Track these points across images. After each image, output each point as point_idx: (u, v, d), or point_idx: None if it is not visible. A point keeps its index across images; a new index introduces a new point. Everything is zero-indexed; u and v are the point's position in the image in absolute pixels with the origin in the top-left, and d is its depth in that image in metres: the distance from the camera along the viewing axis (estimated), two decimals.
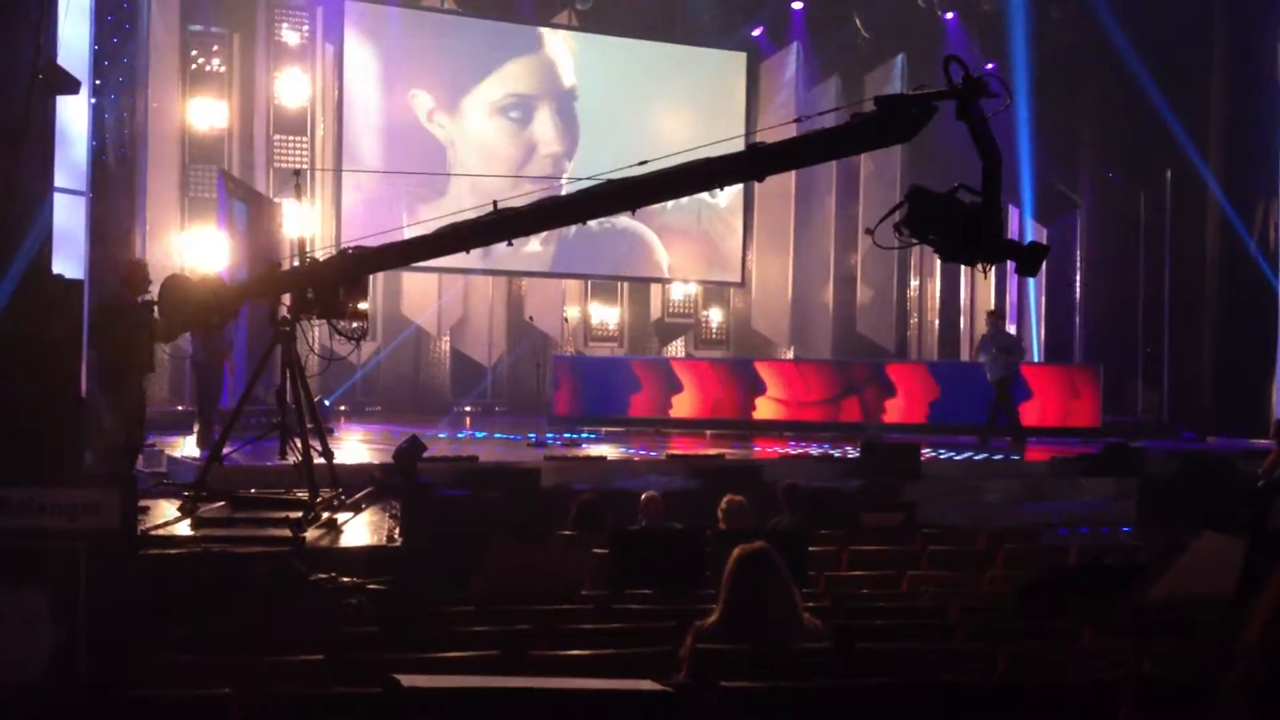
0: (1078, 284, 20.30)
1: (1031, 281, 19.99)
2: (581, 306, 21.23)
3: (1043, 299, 20.36)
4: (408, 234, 8.67)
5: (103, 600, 4.49)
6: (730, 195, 20.63)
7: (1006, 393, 15.43)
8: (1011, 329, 19.23)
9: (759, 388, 17.20)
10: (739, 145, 7.52)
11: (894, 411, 16.92)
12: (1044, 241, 19.08)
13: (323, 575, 6.62)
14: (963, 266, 20.80)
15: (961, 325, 21.34)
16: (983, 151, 6.36)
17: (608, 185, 7.62)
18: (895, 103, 6.62)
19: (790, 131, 7.41)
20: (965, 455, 14.63)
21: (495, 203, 8.02)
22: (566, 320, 20.08)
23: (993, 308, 19.14)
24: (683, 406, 17.26)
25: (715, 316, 22.10)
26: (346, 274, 8.78)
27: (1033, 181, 19.47)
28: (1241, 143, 17.75)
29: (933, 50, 21.03)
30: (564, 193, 8.07)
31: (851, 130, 6.92)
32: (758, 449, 15.11)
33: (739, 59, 21.17)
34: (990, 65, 20.45)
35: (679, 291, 21.84)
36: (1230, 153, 17.89)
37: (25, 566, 4.43)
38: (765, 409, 17.15)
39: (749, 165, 7.45)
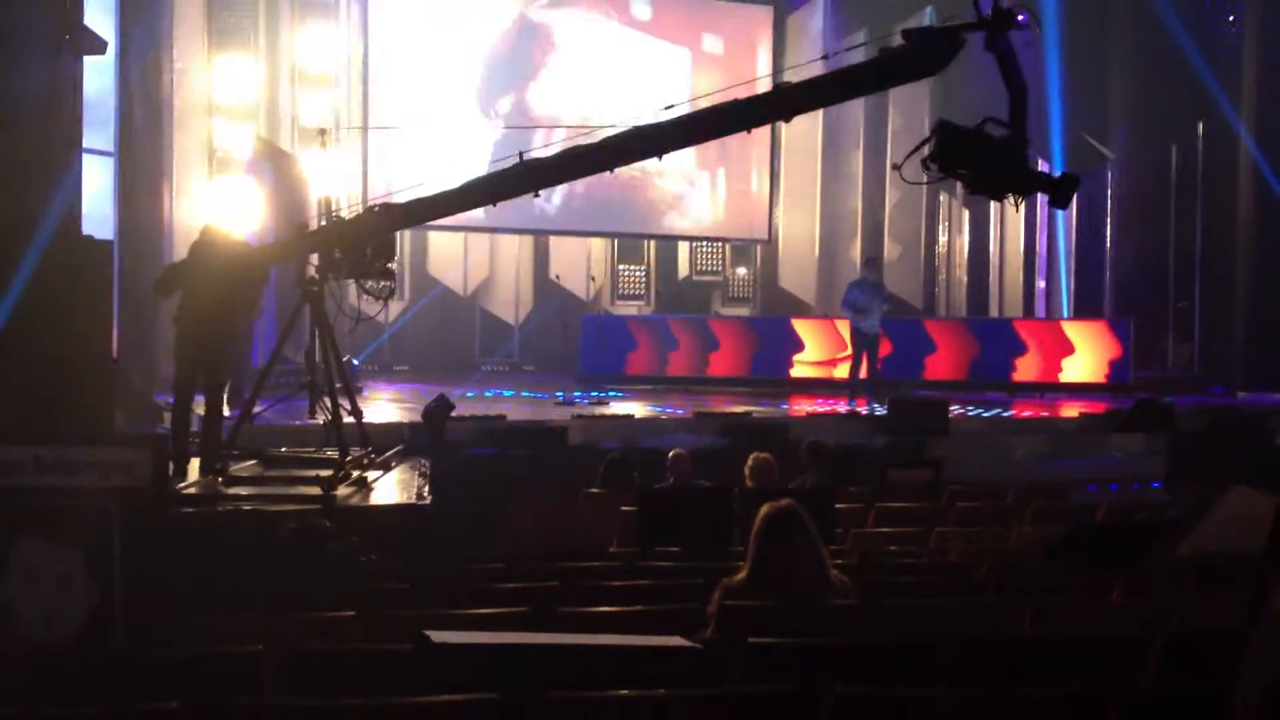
0: (1108, 238, 20.10)
1: (1061, 235, 19.82)
2: (607, 265, 21.17)
3: (1073, 253, 20.18)
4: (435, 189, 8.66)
5: (136, 558, 4.54)
6: (756, 150, 20.47)
7: (877, 346, 15.25)
8: None
9: (796, 345, 17.16)
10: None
11: (933, 368, 16.83)
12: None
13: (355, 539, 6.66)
14: (993, 221, 20.70)
15: (991, 282, 21.17)
16: (1010, 84, 6.32)
17: (634, 131, 7.58)
18: (923, 35, 6.56)
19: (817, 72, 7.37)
20: (994, 412, 14.57)
21: (520, 154, 7.99)
22: (593, 279, 20.04)
23: (871, 254, 18.59)
24: (721, 364, 17.22)
25: (742, 274, 21.99)
26: (374, 232, 8.78)
27: (1063, 134, 19.26)
28: (1275, 93, 17.49)
29: (962, 1, 20.77)
30: (589, 141, 7.99)
31: (879, 64, 6.86)
32: (785, 406, 15.07)
33: (765, 12, 20.97)
34: (1021, 16, 20.18)
35: (705, 249, 21.72)
36: (1263, 104, 17.62)
37: (59, 525, 4.48)
38: (802, 367, 17.10)
39: (775, 104, 7.38)
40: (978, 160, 6.33)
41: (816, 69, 7.55)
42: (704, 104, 7.38)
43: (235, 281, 9.01)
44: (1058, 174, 6.85)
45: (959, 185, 19.40)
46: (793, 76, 7.41)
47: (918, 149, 6.42)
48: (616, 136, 7.67)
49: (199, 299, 8.85)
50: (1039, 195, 6.97)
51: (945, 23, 6.50)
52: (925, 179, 6.47)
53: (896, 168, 6.59)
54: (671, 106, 7.43)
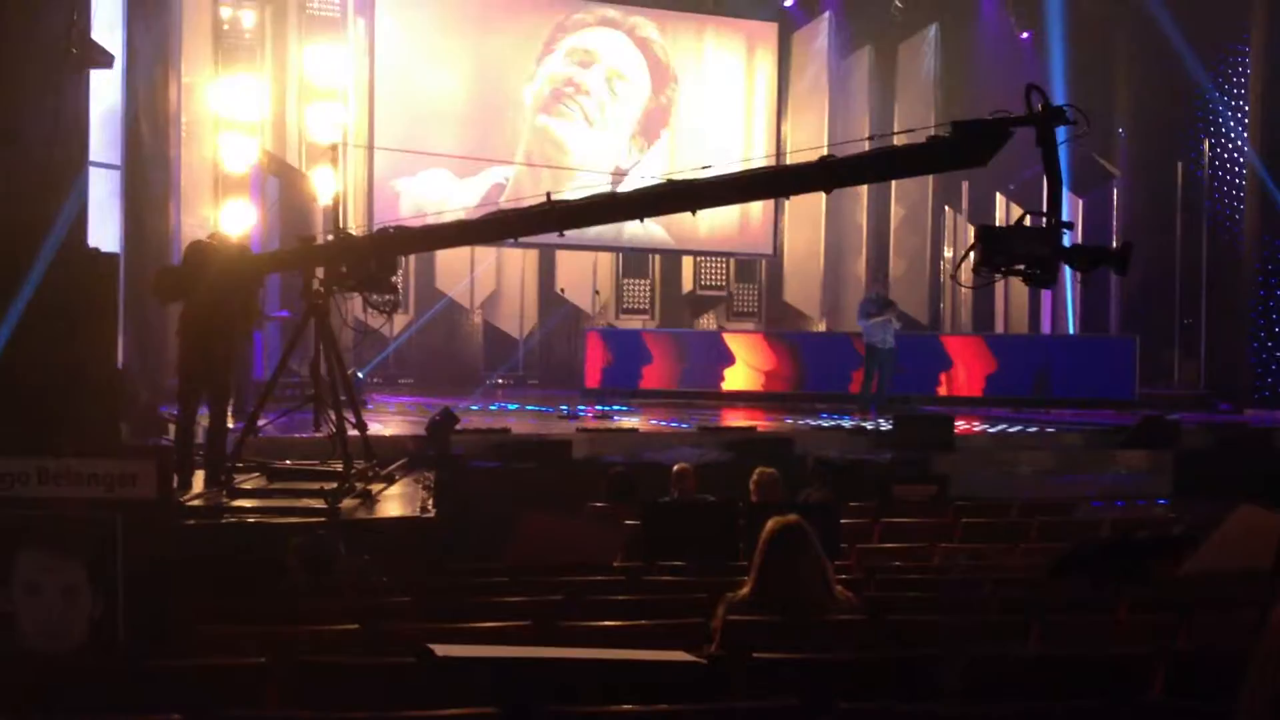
0: None
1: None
2: (613, 279, 21.17)
3: (1077, 271, 20.11)
4: (442, 212, 8.67)
5: (140, 570, 4.54)
6: (760, 164, 20.43)
7: (890, 361, 15.24)
8: None
9: (813, 359, 17.14)
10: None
11: (950, 384, 16.77)
12: (1079, 212, 18.88)
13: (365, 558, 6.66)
14: None
15: (996, 297, 21.12)
16: (1050, 173, 6.44)
17: (669, 186, 7.54)
18: (972, 128, 6.60)
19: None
20: (999, 428, 14.54)
21: (549, 194, 7.86)
22: (598, 293, 20.03)
23: (878, 270, 18.60)
24: (736, 379, 17.15)
25: (747, 288, 21.97)
26: (384, 253, 8.78)
27: (1068, 153, 19.22)
28: None
29: (967, 20, 20.82)
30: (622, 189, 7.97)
31: (926, 150, 6.91)
32: (789, 420, 15.02)
33: (770, 29, 21.00)
34: (1025, 35, 20.24)
35: (710, 263, 21.71)
36: (1269, 121, 17.62)
37: (63, 536, 4.48)
38: (817, 382, 17.07)
39: (818, 176, 7.40)
40: (1032, 252, 6.46)
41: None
42: (728, 153, 7.44)
43: (234, 287, 9.01)
44: (1115, 245, 6.95)
45: (964, 199, 19.42)
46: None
47: (965, 257, 6.57)
48: (650, 190, 7.65)
49: (201, 309, 8.86)
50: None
51: (993, 113, 6.54)
52: (984, 281, 6.63)
53: (954, 278, 6.82)
54: (708, 167, 7.47)
